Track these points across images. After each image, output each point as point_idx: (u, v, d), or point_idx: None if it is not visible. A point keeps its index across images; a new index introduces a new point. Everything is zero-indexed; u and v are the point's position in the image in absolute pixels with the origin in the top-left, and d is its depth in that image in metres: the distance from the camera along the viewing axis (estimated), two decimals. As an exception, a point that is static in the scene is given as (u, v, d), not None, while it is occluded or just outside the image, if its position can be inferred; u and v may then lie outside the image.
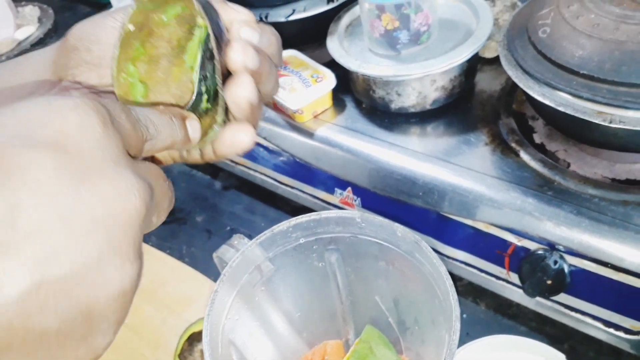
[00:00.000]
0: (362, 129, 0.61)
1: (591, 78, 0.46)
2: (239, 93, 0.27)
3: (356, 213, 0.38)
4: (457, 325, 0.31)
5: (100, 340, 0.19)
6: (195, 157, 0.30)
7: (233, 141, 0.28)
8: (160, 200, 0.23)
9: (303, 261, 0.41)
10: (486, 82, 0.64)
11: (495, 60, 0.66)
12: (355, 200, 0.61)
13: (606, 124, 0.45)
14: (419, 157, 0.57)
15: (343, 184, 0.62)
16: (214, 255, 0.40)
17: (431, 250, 0.35)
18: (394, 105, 0.60)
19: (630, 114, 0.44)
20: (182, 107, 0.27)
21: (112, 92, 0.27)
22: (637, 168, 0.53)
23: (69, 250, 0.18)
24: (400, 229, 0.37)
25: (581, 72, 0.46)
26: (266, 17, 0.65)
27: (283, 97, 0.62)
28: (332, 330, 0.47)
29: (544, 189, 0.51)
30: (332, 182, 0.63)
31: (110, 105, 0.21)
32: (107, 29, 0.27)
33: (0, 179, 0.17)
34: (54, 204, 0.18)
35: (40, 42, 1.15)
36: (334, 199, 0.63)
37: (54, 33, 1.19)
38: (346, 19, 0.66)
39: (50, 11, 1.22)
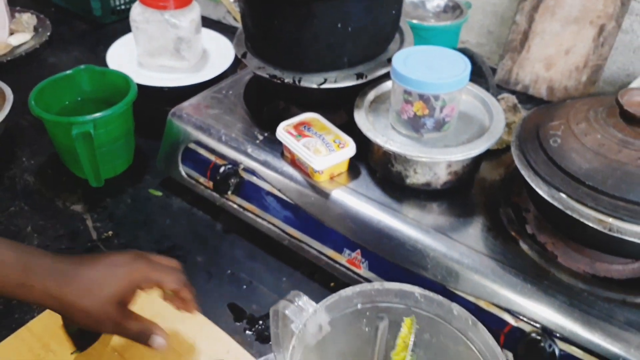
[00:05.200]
0: (375, 197, 0.66)
1: (595, 189, 0.54)
2: None
3: (417, 288, 0.42)
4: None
5: None
6: None
7: None
8: None
9: (354, 325, 0.44)
10: (487, 171, 0.71)
11: (496, 152, 0.74)
12: (362, 263, 0.65)
13: (606, 231, 0.52)
14: (429, 233, 0.62)
15: (353, 245, 0.66)
16: (272, 309, 0.43)
17: (486, 330, 0.40)
18: (408, 181, 0.66)
19: (627, 225, 0.52)
20: None
21: None
22: (614, 268, 0.61)
23: None
24: (457, 308, 0.42)
25: (587, 182, 0.54)
26: (299, 81, 0.70)
27: (308, 157, 0.66)
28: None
29: (541, 278, 0.57)
30: (341, 242, 0.67)
31: None
32: None
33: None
34: None
35: (35, 53, 1.13)
36: (341, 258, 0.67)
37: (49, 45, 1.18)
38: (371, 95, 0.72)
39: (48, 22, 1.21)
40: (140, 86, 0.86)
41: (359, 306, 0.43)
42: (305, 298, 0.41)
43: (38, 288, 0.46)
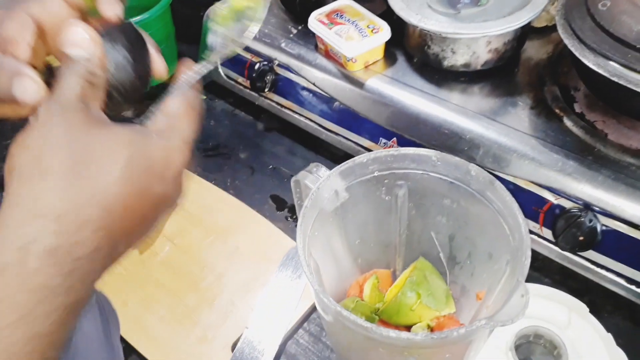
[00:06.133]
0: (412, 83, 0.64)
1: (647, 53, 0.49)
2: None
3: (432, 152, 0.42)
4: (528, 253, 0.35)
5: None
6: None
7: None
8: None
9: (373, 192, 0.45)
10: (533, 50, 0.67)
11: (543, 30, 0.69)
12: (399, 150, 0.64)
13: (656, 97, 0.48)
14: (467, 114, 0.60)
15: (388, 134, 0.65)
16: (293, 179, 0.44)
17: (504, 188, 0.39)
18: (446, 63, 0.63)
19: (680, 89, 0.47)
20: None
21: None
22: (670, 144, 0.57)
23: None
24: (474, 168, 0.41)
25: (638, 46, 0.49)
26: (329, -35, 0.67)
27: (339, 44, 0.64)
28: (383, 260, 0.52)
29: (584, 154, 0.55)
30: (377, 132, 0.66)
31: None
32: None
33: None
34: None
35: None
36: (377, 148, 0.66)
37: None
38: (406, -26, 0.68)
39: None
40: (178, -8, 0.85)
41: (376, 173, 0.43)
42: (323, 168, 0.41)
43: None
